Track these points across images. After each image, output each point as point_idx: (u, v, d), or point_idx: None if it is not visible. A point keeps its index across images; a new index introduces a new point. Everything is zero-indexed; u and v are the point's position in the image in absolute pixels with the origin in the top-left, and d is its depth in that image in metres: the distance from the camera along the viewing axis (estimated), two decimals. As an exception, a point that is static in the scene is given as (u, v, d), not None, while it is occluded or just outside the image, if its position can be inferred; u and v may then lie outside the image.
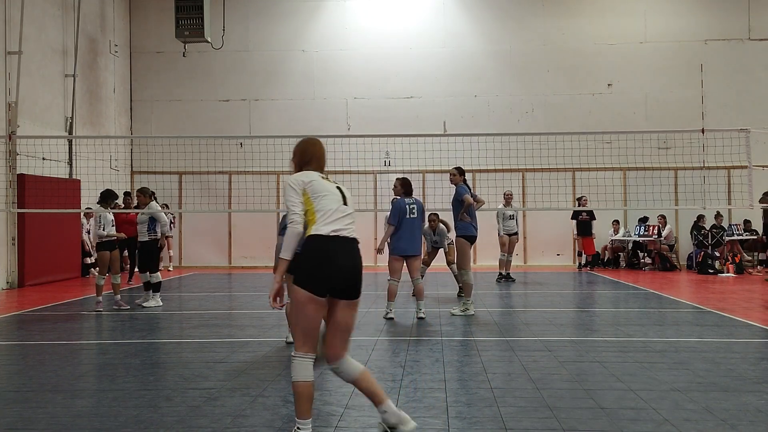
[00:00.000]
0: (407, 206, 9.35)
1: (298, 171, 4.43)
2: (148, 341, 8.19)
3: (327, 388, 5.73)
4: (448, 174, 10.21)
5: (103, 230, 10.69)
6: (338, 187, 4.38)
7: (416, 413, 4.95)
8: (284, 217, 7.71)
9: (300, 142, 4.58)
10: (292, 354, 4.16)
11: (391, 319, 9.38)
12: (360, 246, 4.39)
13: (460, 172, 10.02)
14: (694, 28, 19.10)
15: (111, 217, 10.94)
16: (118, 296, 10.88)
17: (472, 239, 9.94)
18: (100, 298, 10.60)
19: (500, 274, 14.72)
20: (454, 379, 5.96)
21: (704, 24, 19.08)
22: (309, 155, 4.49)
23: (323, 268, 4.08)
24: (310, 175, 4.34)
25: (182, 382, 5.91)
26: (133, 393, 5.62)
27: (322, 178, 4.38)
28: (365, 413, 4.97)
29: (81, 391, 5.76)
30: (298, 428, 4.13)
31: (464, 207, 9.73)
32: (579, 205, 16.81)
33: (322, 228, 4.15)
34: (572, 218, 17.80)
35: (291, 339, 7.67)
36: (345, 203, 4.32)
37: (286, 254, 4.15)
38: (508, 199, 14.70)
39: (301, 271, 4.09)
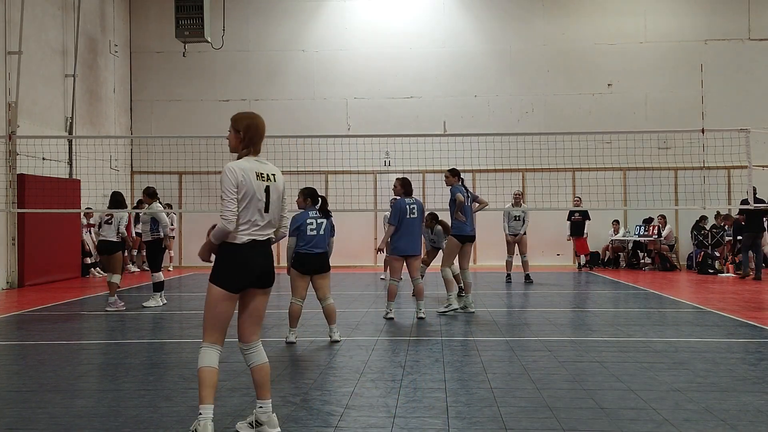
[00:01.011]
0: (407, 206, 9.34)
1: (243, 149, 4.36)
2: (148, 341, 8.19)
3: (327, 388, 5.73)
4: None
5: (121, 230, 10.87)
6: (267, 188, 4.31)
7: (416, 413, 4.95)
8: (294, 218, 7.75)
9: (247, 115, 4.43)
10: (201, 345, 4.29)
11: (391, 319, 9.39)
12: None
13: (453, 173, 10.05)
14: (694, 28, 19.11)
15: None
16: (114, 296, 10.88)
17: (464, 239, 9.93)
18: (115, 296, 10.70)
19: (508, 275, 14.70)
20: (454, 379, 5.96)
21: (704, 24, 19.08)
22: (259, 135, 4.41)
23: (238, 272, 4.27)
24: (246, 171, 4.26)
25: (182, 382, 5.90)
26: (133, 393, 5.62)
27: (258, 176, 4.28)
28: (365, 413, 4.98)
29: (81, 391, 5.75)
30: (200, 413, 4.16)
31: (457, 206, 9.76)
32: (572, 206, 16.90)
33: (239, 236, 4.26)
34: (567, 219, 17.85)
35: (291, 339, 7.69)
36: (267, 209, 4.32)
37: (216, 240, 4.29)
38: (516, 198, 14.64)
39: (217, 271, 4.28)
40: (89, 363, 7.05)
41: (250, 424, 4.49)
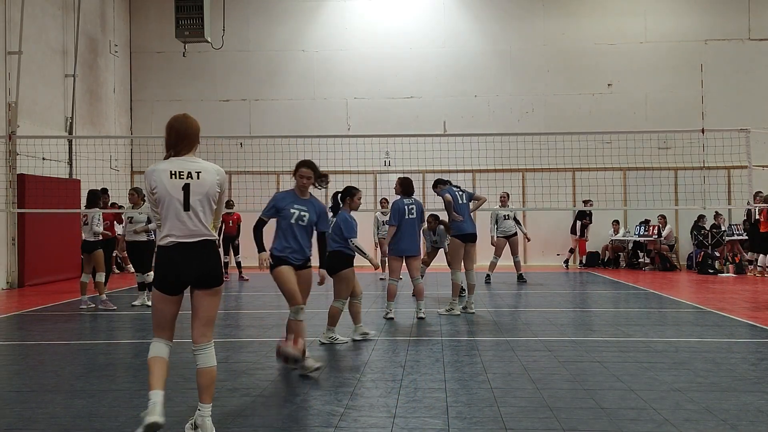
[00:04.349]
0: (406, 207, 9.31)
1: (167, 153, 4.37)
2: (148, 341, 8.13)
3: (327, 388, 5.73)
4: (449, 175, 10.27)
5: (100, 228, 10.79)
6: (186, 185, 4.25)
7: (416, 413, 4.95)
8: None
9: (171, 118, 4.40)
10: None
11: (391, 319, 9.38)
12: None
13: (437, 183, 10.24)
14: (694, 28, 19.11)
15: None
16: (104, 296, 10.86)
17: (465, 238, 9.90)
18: (104, 296, 10.68)
19: (488, 275, 14.64)
20: (454, 379, 5.96)
21: (704, 24, 19.09)
22: (174, 138, 4.33)
23: (168, 275, 4.28)
24: (159, 172, 4.25)
25: (182, 382, 5.89)
26: (133, 393, 5.62)
27: (171, 174, 4.24)
28: (365, 413, 4.98)
29: (81, 391, 5.75)
30: (148, 399, 4.18)
31: (446, 206, 9.78)
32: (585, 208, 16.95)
33: (163, 239, 4.29)
34: (579, 219, 17.84)
35: (323, 340, 7.69)
36: (187, 207, 4.24)
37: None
38: (503, 200, 14.62)
39: (155, 274, 4.36)
40: (89, 363, 7.05)
41: (191, 424, 4.46)
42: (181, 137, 4.33)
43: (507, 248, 14.74)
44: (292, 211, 6.29)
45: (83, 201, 15.95)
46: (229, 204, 15.56)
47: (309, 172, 6.38)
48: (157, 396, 4.17)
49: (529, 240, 15.75)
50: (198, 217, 4.28)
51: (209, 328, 4.41)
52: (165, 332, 4.39)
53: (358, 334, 7.89)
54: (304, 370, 6.09)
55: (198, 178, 4.29)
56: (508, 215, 14.70)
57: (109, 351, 7.59)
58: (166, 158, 4.36)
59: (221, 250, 15.28)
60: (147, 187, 4.32)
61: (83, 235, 10.92)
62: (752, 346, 7.56)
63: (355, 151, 14.51)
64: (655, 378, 5.93)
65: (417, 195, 10.03)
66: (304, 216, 6.32)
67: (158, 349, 4.35)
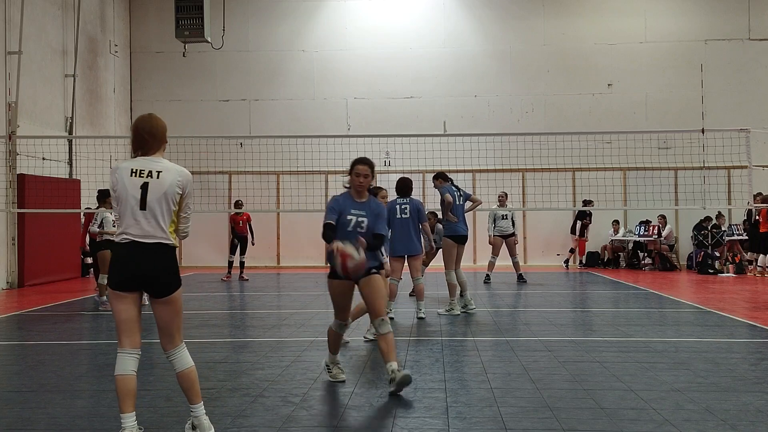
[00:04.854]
0: (398, 207, 9.27)
1: (134, 153, 4.37)
2: (148, 341, 8.12)
3: (327, 389, 5.73)
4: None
5: (101, 228, 10.73)
6: (144, 184, 4.19)
7: (416, 413, 4.95)
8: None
9: (136, 119, 4.41)
10: (118, 350, 4.27)
11: (391, 318, 9.37)
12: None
13: (438, 177, 10.15)
14: (694, 28, 19.11)
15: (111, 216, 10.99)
16: (104, 297, 10.84)
17: (458, 239, 9.95)
18: (105, 298, 10.67)
19: (487, 275, 14.65)
20: (454, 379, 5.96)
21: (704, 24, 19.09)
22: (141, 137, 4.30)
23: (118, 272, 4.20)
24: (120, 170, 4.24)
25: (182, 382, 5.90)
26: (133, 393, 5.61)
27: (132, 172, 4.20)
28: (365, 413, 4.98)
29: (81, 391, 5.75)
30: (121, 425, 4.14)
31: (446, 206, 9.79)
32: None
33: (118, 236, 4.26)
34: (579, 219, 17.80)
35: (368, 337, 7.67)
36: (143, 206, 4.19)
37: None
38: (502, 200, 14.65)
39: (110, 270, 4.29)
40: (89, 363, 7.05)
41: (191, 425, 4.43)
42: (142, 138, 4.30)
43: (505, 248, 14.76)
44: (349, 218, 5.65)
45: (83, 201, 16.07)
46: (239, 204, 15.60)
47: (366, 170, 5.70)
48: (128, 421, 4.12)
49: (516, 243, 15.55)
50: (155, 218, 4.20)
51: (172, 336, 4.32)
52: (129, 338, 4.21)
53: (372, 334, 7.85)
54: (330, 372, 5.98)
55: (158, 177, 4.24)
56: (506, 215, 14.73)
57: (109, 351, 7.58)
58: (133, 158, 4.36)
59: (229, 249, 15.48)
60: (110, 184, 4.30)
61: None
62: (752, 346, 7.56)
63: (354, 151, 14.32)
64: (655, 378, 5.93)
65: (418, 195, 10.02)
66: (362, 222, 5.65)
67: (123, 365, 4.19)
